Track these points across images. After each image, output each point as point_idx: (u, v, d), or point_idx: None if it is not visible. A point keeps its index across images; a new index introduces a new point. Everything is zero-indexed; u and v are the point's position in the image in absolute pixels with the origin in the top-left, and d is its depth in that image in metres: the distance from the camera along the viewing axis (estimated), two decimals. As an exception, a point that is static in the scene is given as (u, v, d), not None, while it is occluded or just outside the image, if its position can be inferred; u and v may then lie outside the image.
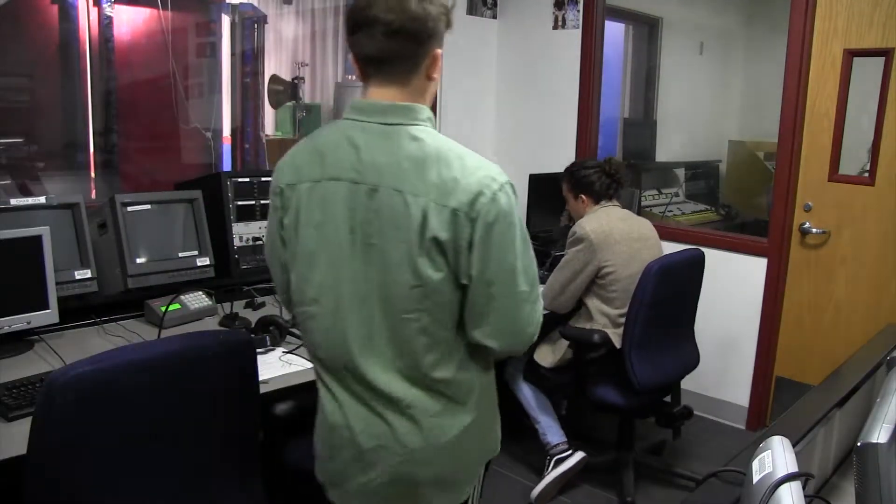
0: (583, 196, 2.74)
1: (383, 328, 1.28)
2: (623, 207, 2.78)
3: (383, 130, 1.26)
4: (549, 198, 3.29)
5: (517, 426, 2.64)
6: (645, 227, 2.75)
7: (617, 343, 2.57)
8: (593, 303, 2.63)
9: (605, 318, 2.61)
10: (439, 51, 1.28)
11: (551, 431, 2.76)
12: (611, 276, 2.58)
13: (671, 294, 2.60)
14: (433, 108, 1.23)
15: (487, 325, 1.29)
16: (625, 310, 2.57)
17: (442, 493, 1.39)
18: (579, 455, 2.72)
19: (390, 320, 1.27)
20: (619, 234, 2.60)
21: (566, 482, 2.73)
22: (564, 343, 2.67)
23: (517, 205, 1.29)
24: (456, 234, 1.22)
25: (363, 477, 1.36)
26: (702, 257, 2.75)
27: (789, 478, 1.03)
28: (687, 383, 2.92)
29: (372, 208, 1.24)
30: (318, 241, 1.29)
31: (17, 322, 1.98)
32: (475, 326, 1.30)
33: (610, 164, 2.75)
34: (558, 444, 2.74)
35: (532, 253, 1.32)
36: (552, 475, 2.70)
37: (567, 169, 2.82)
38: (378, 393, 1.31)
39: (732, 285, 3.33)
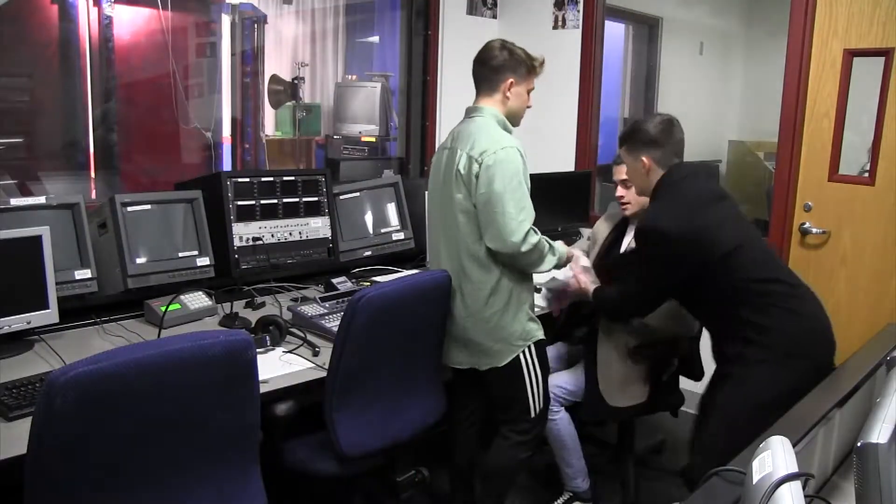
0: None
1: (446, 234, 2.17)
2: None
3: (468, 119, 2.19)
4: (549, 198, 3.26)
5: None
6: None
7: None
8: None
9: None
10: (511, 80, 2.15)
11: (581, 475, 2.61)
12: None
13: None
14: (511, 116, 2.19)
15: (488, 233, 2.07)
16: None
17: (483, 355, 2.18)
18: None
19: (449, 226, 2.15)
20: None
21: None
22: (635, 371, 2.54)
23: (520, 161, 2.06)
24: (469, 170, 2.07)
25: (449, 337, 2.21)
26: None
27: (789, 478, 1.03)
28: (687, 383, 2.91)
29: (450, 160, 2.15)
30: (432, 185, 2.26)
31: (17, 322, 1.97)
32: (483, 234, 2.08)
33: None
34: (587, 491, 2.62)
35: (525, 191, 2.06)
36: None
37: None
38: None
39: (732, 285, 3.31)
